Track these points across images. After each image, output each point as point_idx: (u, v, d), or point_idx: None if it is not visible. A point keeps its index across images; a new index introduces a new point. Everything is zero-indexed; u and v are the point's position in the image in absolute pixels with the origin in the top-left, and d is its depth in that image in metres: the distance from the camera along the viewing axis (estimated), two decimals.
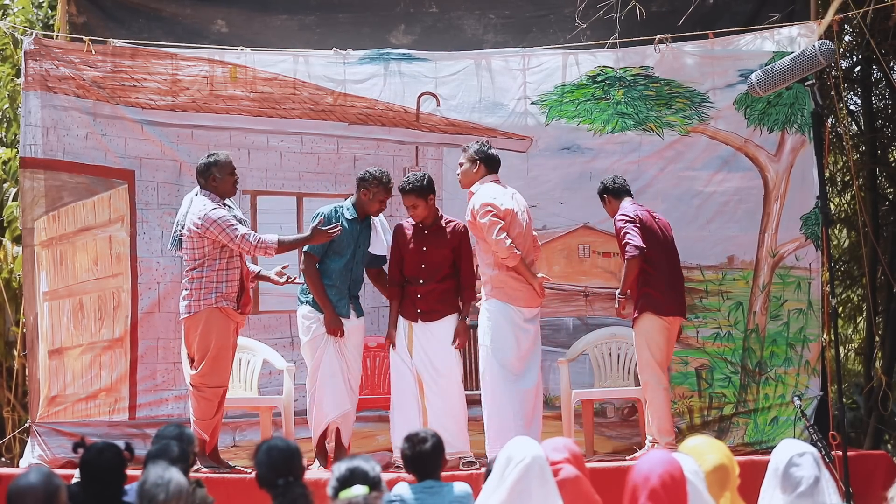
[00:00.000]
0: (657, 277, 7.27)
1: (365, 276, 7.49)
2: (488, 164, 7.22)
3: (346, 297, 7.25)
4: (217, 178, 7.00)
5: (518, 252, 7.02)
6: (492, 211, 7.03)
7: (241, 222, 7.02)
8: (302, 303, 7.31)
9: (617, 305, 7.27)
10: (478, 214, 7.05)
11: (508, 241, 7.00)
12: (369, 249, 7.38)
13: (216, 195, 6.98)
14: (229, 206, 7.06)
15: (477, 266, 7.32)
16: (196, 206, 6.97)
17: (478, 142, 7.34)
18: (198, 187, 7.08)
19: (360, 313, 7.36)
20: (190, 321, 6.98)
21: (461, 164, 7.28)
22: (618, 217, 7.34)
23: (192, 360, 7.03)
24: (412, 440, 4.81)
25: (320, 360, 7.19)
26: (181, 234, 7.05)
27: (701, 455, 4.35)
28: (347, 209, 7.32)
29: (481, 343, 7.18)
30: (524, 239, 7.16)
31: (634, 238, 7.22)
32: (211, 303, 6.91)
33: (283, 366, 7.73)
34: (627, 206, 7.39)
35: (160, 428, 4.89)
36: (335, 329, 7.16)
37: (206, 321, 6.93)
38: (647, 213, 7.40)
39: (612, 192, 7.48)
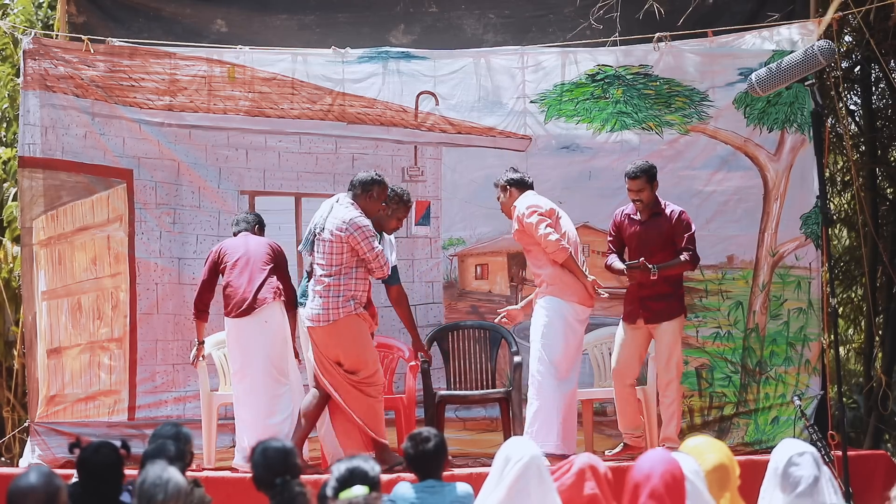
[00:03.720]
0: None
1: None
2: (518, 185, 7.34)
3: None
4: (373, 198, 7.07)
5: (566, 246, 7.10)
6: (536, 210, 7.15)
7: None
8: (303, 305, 7.32)
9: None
10: (524, 217, 7.16)
11: (555, 235, 7.08)
12: None
13: (360, 210, 7.02)
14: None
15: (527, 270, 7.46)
16: (340, 211, 6.96)
17: (505, 172, 7.45)
18: (342, 194, 7.11)
19: None
20: (328, 329, 6.91)
21: (499, 199, 7.42)
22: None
23: (339, 364, 6.97)
24: (415, 439, 4.81)
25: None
26: (316, 237, 7.03)
27: (701, 455, 4.35)
28: None
29: (533, 339, 7.21)
30: (569, 241, 7.23)
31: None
32: (350, 310, 6.90)
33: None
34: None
35: (157, 427, 4.89)
36: None
37: (348, 328, 6.91)
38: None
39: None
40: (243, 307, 7.10)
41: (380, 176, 7.13)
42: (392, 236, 7.55)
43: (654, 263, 7.20)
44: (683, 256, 7.30)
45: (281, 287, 7.21)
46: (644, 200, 7.35)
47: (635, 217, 7.41)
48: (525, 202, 7.24)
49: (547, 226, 7.10)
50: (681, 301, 7.38)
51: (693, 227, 7.37)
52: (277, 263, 7.29)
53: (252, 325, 7.11)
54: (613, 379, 7.42)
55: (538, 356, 7.14)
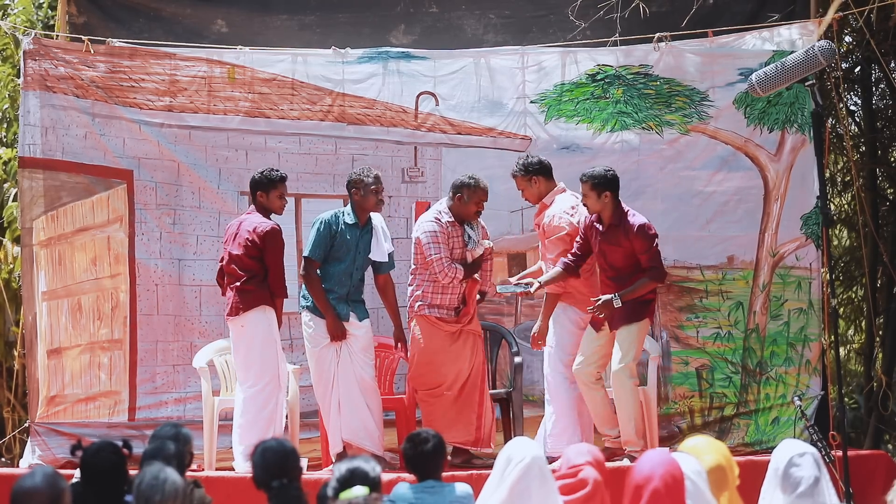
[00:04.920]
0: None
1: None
2: (543, 172, 7.30)
3: (345, 302, 7.25)
4: (463, 201, 7.24)
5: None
6: (565, 229, 7.15)
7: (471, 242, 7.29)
8: (302, 308, 7.31)
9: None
10: (553, 220, 7.19)
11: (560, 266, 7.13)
12: (369, 255, 7.36)
13: (453, 213, 7.23)
14: (470, 228, 7.31)
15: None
16: (426, 214, 7.33)
17: (518, 162, 7.35)
18: (445, 198, 7.37)
19: (362, 317, 7.34)
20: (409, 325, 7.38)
21: (522, 191, 7.35)
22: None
23: None
24: (413, 440, 4.82)
25: (320, 376, 7.24)
26: None
27: (698, 455, 4.34)
28: (347, 214, 7.33)
29: (547, 343, 7.27)
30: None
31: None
32: (414, 312, 7.26)
33: (289, 368, 7.67)
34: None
35: (157, 428, 4.89)
36: (338, 334, 7.18)
37: (413, 328, 7.29)
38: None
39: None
40: (226, 311, 7.24)
41: (472, 178, 7.23)
42: (382, 224, 7.44)
43: (613, 274, 7.02)
44: (646, 278, 6.99)
45: (256, 292, 7.11)
46: (588, 206, 7.06)
47: (597, 225, 7.09)
48: (563, 206, 7.22)
49: (560, 253, 7.13)
50: (643, 306, 7.04)
51: (653, 243, 6.97)
52: (262, 251, 7.14)
53: (234, 327, 7.22)
54: (577, 379, 7.11)
55: (556, 361, 7.19)
